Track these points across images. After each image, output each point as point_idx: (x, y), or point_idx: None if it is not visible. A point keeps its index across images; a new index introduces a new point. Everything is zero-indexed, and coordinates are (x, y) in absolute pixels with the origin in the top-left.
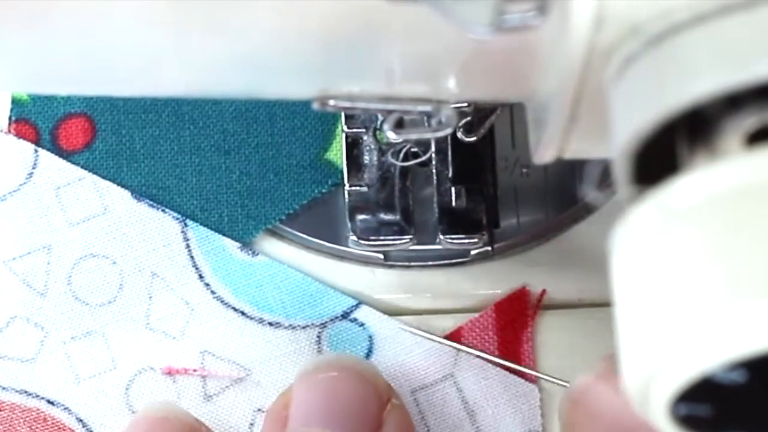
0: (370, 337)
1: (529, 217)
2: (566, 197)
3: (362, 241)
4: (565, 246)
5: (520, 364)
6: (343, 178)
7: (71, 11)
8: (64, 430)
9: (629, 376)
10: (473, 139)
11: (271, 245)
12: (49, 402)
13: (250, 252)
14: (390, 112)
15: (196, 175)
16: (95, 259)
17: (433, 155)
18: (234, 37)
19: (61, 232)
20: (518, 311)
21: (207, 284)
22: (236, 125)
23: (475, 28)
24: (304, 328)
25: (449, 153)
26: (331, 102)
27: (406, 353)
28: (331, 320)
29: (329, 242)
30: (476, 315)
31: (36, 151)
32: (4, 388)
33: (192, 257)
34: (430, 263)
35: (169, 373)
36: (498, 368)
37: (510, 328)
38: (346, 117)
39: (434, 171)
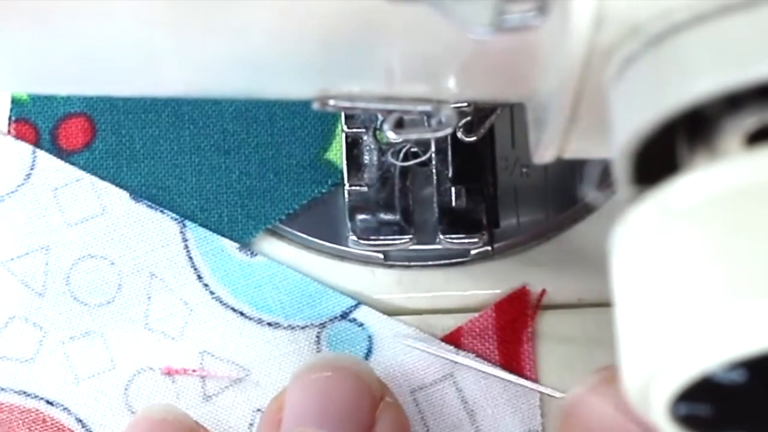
0: (369, 337)
1: (529, 217)
2: (566, 197)
3: (362, 241)
4: (565, 246)
5: (519, 364)
6: (343, 178)
7: (71, 11)
8: (63, 431)
9: (629, 376)
10: (473, 139)
11: (270, 245)
12: (49, 402)
13: (248, 253)
14: (390, 112)
15: (196, 175)
16: (93, 260)
17: (433, 155)
18: (234, 37)
19: (59, 233)
20: (518, 311)
21: (206, 285)
22: (236, 125)
23: (475, 28)
24: (303, 328)
25: (449, 153)
26: (331, 102)
27: (406, 353)
28: (330, 320)
29: (329, 242)
30: (476, 315)
31: (34, 152)
32: (3, 389)
33: (191, 258)
34: (430, 263)
35: (168, 373)
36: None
37: (510, 328)
38: (346, 117)
39: (434, 171)
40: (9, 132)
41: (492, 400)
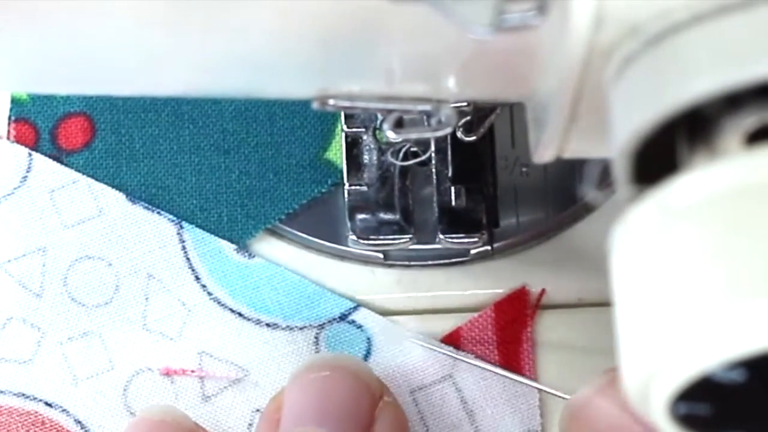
0: (368, 338)
1: (529, 216)
2: (566, 197)
3: (362, 241)
4: (565, 246)
5: (519, 364)
6: (342, 178)
7: (71, 11)
8: None
9: (629, 376)
10: (473, 138)
11: (270, 245)
12: (47, 404)
13: (246, 254)
14: (390, 111)
15: (196, 175)
16: (90, 261)
17: (433, 155)
18: (234, 37)
19: (56, 235)
20: (518, 311)
21: (203, 286)
22: (236, 125)
23: (475, 28)
24: (301, 329)
25: (449, 152)
26: (331, 101)
27: (405, 354)
28: (329, 322)
29: (329, 242)
30: (476, 314)
31: (30, 154)
32: (1, 392)
33: (188, 259)
34: (430, 263)
35: (167, 373)
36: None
37: (509, 328)
38: (346, 116)
39: (434, 170)
40: (9, 132)
41: (491, 400)
